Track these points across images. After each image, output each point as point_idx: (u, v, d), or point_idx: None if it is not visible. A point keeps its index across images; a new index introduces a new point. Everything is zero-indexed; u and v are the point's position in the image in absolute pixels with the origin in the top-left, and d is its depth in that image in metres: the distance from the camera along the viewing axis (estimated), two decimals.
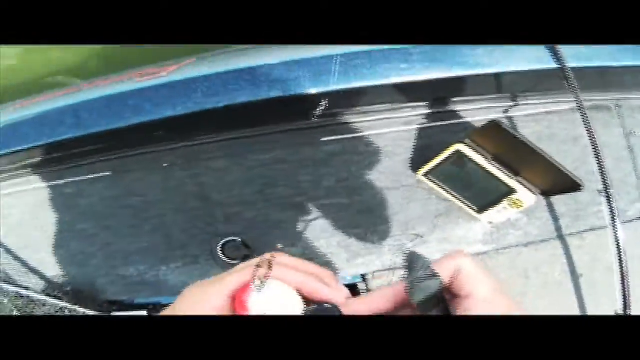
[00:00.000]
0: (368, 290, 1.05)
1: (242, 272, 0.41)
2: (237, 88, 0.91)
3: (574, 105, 1.05)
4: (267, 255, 0.42)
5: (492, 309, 0.34)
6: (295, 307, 0.39)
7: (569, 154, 1.08)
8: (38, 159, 1.06)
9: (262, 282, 0.38)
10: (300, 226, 1.04)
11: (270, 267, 0.39)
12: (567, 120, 1.07)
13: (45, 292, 1.13)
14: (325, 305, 0.39)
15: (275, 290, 0.39)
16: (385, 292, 0.39)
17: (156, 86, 0.95)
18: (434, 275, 0.36)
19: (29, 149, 0.99)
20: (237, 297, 0.40)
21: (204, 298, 0.40)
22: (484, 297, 0.35)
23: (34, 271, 1.14)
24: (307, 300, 0.41)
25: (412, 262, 0.37)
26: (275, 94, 0.91)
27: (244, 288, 0.40)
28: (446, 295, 0.38)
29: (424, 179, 1.03)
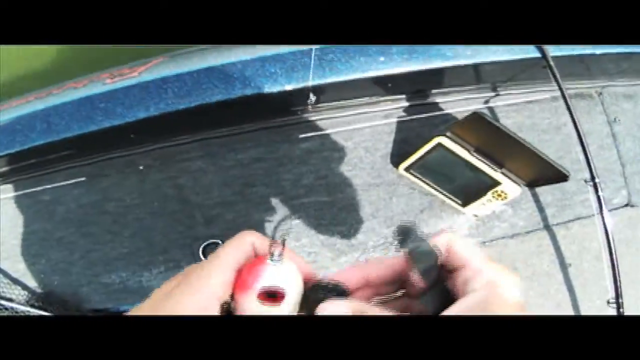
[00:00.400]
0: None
1: (239, 248, 0.40)
2: (210, 87, 0.88)
3: (555, 94, 1.03)
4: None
5: (487, 275, 0.34)
6: (298, 287, 0.39)
7: (551, 144, 1.06)
8: (12, 167, 1.03)
9: (279, 257, 0.38)
10: (282, 226, 1.02)
11: (285, 246, 0.39)
12: (549, 109, 1.05)
13: (29, 303, 1.10)
14: (327, 282, 0.39)
15: (288, 267, 0.39)
16: (381, 260, 0.40)
17: (127, 87, 0.92)
18: (431, 245, 0.36)
19: (1, 157, 0.96)
20: (248, 267, 0.39)
21: (208, 274, 0.38)
22: (479, 265, 0.35)
23: (16, 282, 1.11)
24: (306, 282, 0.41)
25: (406, 234, 0.38)
26: (249, 91, 0.88)
27: (258, 260, 0.39)
28: (444, 271, 0.38)
29: (405, 173, 1.00)
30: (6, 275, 1.11)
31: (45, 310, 1.09)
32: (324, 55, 0.88)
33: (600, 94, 1.08)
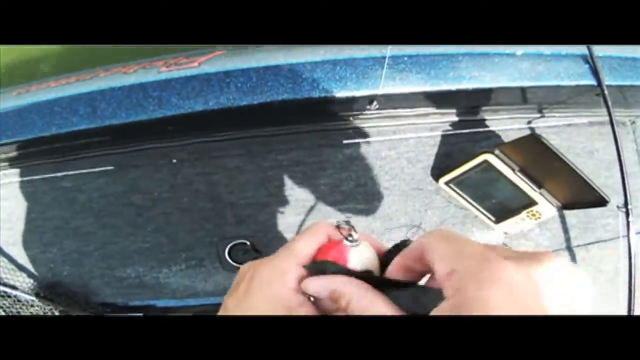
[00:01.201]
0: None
1: (315, 239, 0.37)
2: (276, 85, 0.84)
3: (592, 119, 1.03)
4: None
5: (458, 279, 0.29)
6: (376, 263, 0.37)
7: (583, 167, 1.05)
8: (36, 149, 0.96)
9: (355, 239, 0.36)
10: None
11: (354, 229, 0.37)
12: (585, 134, 1.05)
13: (34, 292, 1.03)
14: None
15: (365, 246, 0.37)
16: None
17: (185, 77, 0.86)
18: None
19: (34, 139, 0.89)
20: (323, 252, 0.37)
21: (283, 272, 0.35)
22: (446, 269, 0.30)
23: (22, 269, 1.04)
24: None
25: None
26: (316, 93, 0.84)
27: (331, 245, 0.37)
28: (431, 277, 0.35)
29: (445, 186, 0.98)
30: (12, 261, 1.04)
31: (50, 300, 1.03)
32: (396, 65, 0.85)
33: (634, 122, 1.09)
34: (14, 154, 0.97)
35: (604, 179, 1.06)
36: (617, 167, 1.04)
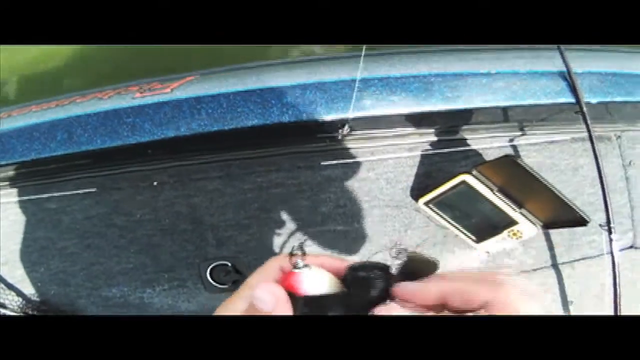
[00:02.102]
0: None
1: (268, 274, 0.39)
2: (246, 111, 0.83)
3: (575, 135, 1.00)
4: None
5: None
6: (332, 284, 0.37)
7: (567, 184, 1.03)
8: (22, 172, 0.96)
9: (301, 266, 0.36)
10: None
11: (304, 252, 0.37)
12: (568, 151, 1.02)
13: (22, 311, 1.03)
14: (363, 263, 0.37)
15: (316, 269, 0.37)
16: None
17: (157, 104, 0.86)
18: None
19: (14, 163, 0.89)
20: (282, 283, 0.36)
21: (241, 307, 0.36)
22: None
23: (11, 288, 1.05)
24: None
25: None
26: (286, 118, 0.83)
27: (285, 277, 0.37)
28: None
29: (424, 207, 0.96)
30: (1, 280, 1.04)
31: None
32: (366, 88, 0.83)
33: (619, 137, 1.06)
34: None
35: (587, 197, 1.04)
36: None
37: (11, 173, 0.97)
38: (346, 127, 0.85)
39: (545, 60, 0.91)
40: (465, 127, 0.96)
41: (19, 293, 1.05)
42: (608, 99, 0.90)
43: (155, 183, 0.96)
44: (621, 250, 1.10)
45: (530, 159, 1.01)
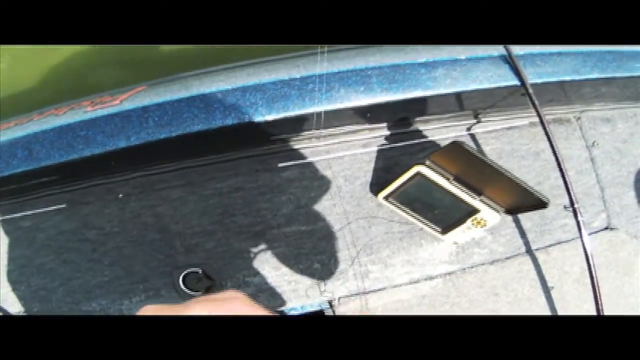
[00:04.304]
0: (335, 316, 0.96)
1: None
2: (191, 116, 0.83)
3: (534, 120, 0.97)
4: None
5: None
6: None
7: (530, 169, 1.00)
8: None
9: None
10: (262, 255, 0.95)
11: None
12: (527, 136, 0.99)
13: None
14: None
15: None
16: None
17: (108, 116, 0.86)
18: None
19: None
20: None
21: None
22: None
23: None
24: None
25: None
26: (230, 121, 0.83)
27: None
28: None
29: (384, 202, 0.94)
30: None
31: None
32: (304, 86, 0.82)
33: (579, 118, 1.03)
34: None
35: (553, 180, 1.00)
36: (569, 165, 0.98)
37: None
38: (294, 125, 0.84)
39: (484, 45, 0.88)
40: (416, 118, 0.93)
41: (3, 311, 1.05)
42: (554, 79, 0.86)
43: (120, 195, 0.96)
44: (597, 232, 1.06)
45: (490, 147, 0.98)
